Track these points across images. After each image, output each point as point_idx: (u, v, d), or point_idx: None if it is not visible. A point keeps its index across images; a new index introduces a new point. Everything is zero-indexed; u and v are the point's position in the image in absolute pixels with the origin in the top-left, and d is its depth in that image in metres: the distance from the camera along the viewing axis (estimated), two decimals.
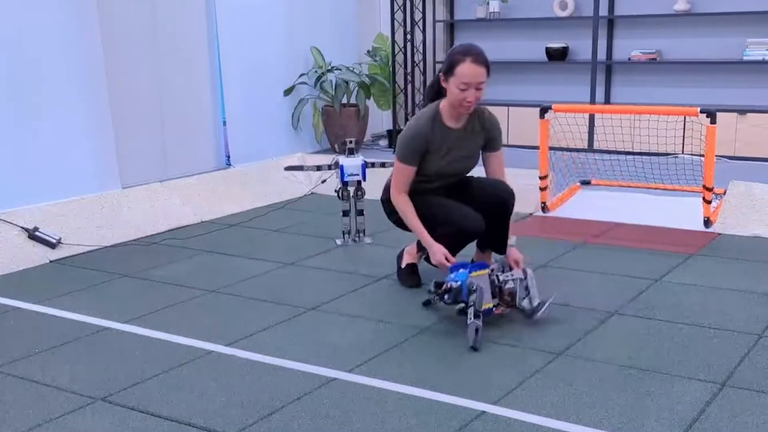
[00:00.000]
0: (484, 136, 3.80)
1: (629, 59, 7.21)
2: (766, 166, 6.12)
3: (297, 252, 4.65)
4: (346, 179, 4.77)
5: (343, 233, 4.85)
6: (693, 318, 3.45)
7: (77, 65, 5.03)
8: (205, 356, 3.17)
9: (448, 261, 3.58)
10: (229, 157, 6.42)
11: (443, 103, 3.70)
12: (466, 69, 3.50)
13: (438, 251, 3.61)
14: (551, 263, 4.32)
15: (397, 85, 7.18)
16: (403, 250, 4.10)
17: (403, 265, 4.04)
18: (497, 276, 3.47)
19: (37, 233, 4.60)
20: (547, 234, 4.83)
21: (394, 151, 3.82)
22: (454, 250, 3.85)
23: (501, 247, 3.84)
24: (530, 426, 2.55)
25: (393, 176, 3.79)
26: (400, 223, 3.94)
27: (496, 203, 3.76)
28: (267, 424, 2.60)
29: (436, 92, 3.74)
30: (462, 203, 3.76)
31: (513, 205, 3.79)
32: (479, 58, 3.54)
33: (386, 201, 3.94)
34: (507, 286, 3.45)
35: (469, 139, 3.77)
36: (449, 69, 3.56)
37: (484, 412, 2.64)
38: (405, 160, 3.72)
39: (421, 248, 3.94)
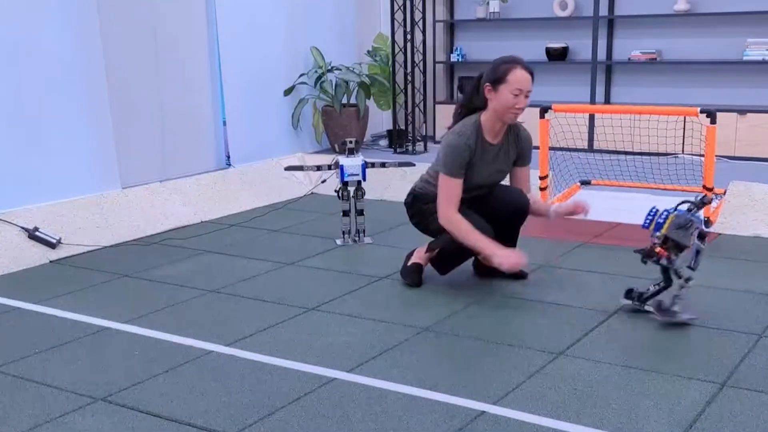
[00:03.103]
0: (517, 152, 3.86)
1: (629, 59, 7.21)
2: (766, 166, 6.12)
3: (297, 252, 4.65)
4: (346, 179, 4.77)
5: (343, 233, 4.85)
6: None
7: (77, 65, 5.03)
8: (205, 356, 3.17)
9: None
10: (229, 157, 6.42)
11: (484, 117, 3.72)
12: (520, 75, 3.60)
13: (509, 254, 3.62)
14: (551, 263, 4.32)
15: (397, 85, 7.18)
16: (413, 250, 4.10)
17: (409, 263, 4.04)
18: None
19: (37, 233, 4.60)
20: (547, 234, 4.82)
21: (438, 168, 3.75)
22: (460, 259, 3.89)
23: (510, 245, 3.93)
24: (530, 426, 2.55)
25: (441, 194, 3.74)
26: (420, 227, 3.99)
27: (515, 211, 3.83)
28: (267, 424, 2.60)
29: (468, 109, 3.78)
30: (477, 207, 3.79)
31: (527, 214, 3.90)
32: (527, 66, 3.67)
33: (410, 204, 4.00)
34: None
35: (504, 154, 3.83)
36: (501, 77, 3.62)
37: (484, 412, 2.64)
38: (453, 174, 3.70)
39: (429, 249, 3.95)
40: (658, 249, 3.27)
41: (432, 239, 3.99)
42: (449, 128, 3.84)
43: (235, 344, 3.28)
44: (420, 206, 3.97)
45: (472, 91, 3.79)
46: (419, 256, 4.02)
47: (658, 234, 3.28)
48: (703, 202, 3.37)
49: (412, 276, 3.99)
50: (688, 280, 3.31)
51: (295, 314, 3.63)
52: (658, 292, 3.41)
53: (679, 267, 3.29)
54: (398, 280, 4.05)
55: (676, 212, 3.29)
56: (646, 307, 3.43)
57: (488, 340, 3.27)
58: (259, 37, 6.53)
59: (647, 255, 3.32)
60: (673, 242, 3.26)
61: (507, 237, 3.89)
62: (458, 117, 3.84)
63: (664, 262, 3.29)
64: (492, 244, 3.65)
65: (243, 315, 3.64)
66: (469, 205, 3.82)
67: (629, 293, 3.54)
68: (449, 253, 3.90)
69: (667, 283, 3.38)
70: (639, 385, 2.82)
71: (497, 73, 3.65)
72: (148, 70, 5.66)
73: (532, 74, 3.66)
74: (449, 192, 3.72)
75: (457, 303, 3.72)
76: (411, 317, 3.55)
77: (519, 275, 4.03)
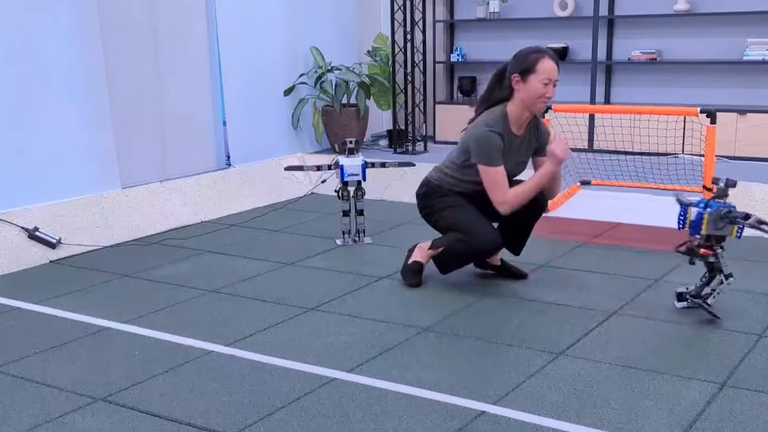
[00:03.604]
0: (537, 144, 3.86)
1: (629, 59, 7.21)
2: (766, 166, 6.11)
3: (297, 252, 4.65)
4: (346, 179, 4.77)
5: (343, 233, 4.86)
6: (693, 318, 3.45)
7: (77, 65, 5.03)
8: (205, 356, 3.17)
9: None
10: (229, 157, 6.42)
11: (510, 108, 3.72)
12: (548, 65, 3.63)
13: (552, 157, 3.65)
14: (551, 263, 4.33)
15: (397, 85, 7.18)
16: (415, 244, 4.08)
17: (410, 261, 4.04)
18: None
19: (37, 233, 4.60)
20: (547, 234, 4.82)
21: (476, 160, 3.69)
22: (464, 261, 3.90)
23: (518, 249, 4.03)
24: (530, 426, 2.55)
25: (491, 187, 3.68)
26: (429, 220, 3.96)
27: (532, 206, 3.81)
28: (267, 424, 2.60)
29: (490, 101, 3.77)
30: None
31: (544, 210, 3.97)
32: (553, 56, 3.71)
33: (423, 196, 3.94)
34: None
35: (526, 146, 3.83)
36: (530, 67, 3.62)
37: (484, 412, 2.64)
38: (494, 162, 3.66)
39: (433, 247, 3.95)
40: (702, 250, 3.33)
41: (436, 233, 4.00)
42: (470, 122, 3.81)
43: (235, 344, 3.28)
44: (432, 201, 3.91)
45: (494, 83, 3.78)
46: (421, 254, 4.01)
47: (698, 236, 3.33)
48: (727, 187, 3.38)
49: (412, 276, 3.99)
50: (728, 277, 3.36)
51: (295, 314, 3.63)
52: (707, 285, 3.44)
53: (725, 264, 3.35)
54: (398, 280, 4.05)
55: (708, 211, 3.31)
56: (708, 303, 3.42)
57: (488, 340, 3.27)
58: (259, 37, 6.53)
59: (693, 255, 3.37)
60: (715, 237, 3.32)
61: (519, 233, 3.94)
62: (480, 110, 3.81)
63: (711, 259, 3.35)
64: (543, 169, 3.70)
65: (243, 315, 3.64)
66: (482, 196, 3.82)
67: (681, 296, 3.53)
68: (453, 255, 3.90)
69: (712, 275, 3.42)
70: (639, 385, 2.82)
71: (526, 63, 3.64)
72: (148, 70, 5.66)
73: (558, 64, 3.69)
74: (494, 180, 3.67)
75: (457, 303, 3.72)
76: (411, 317, 3.55)
77: (519, 275, 4.04)
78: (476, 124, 3.75)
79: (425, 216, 3.99)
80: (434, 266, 3.99)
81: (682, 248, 3.41)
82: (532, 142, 3.85)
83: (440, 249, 3.92)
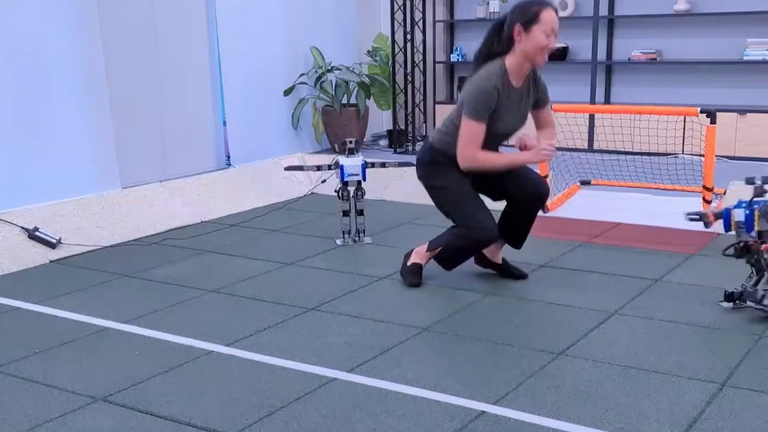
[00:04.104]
0: (535, 96, 3.84)
1: (629, 59, 7.21)
2: (766, 166, 6.11)
3: (297, 252, 4.65)
4: (346, 179, 4.77)
5: (343, 233, 4.86)
6: (693, 318, 3.45)
7: (77, 65, 5.03)
8: (205, 356, 3.17)
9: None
10: (229, 157, 6.42)
11: (509, 61, 3.67)
12: (551, 15, 3.61)
13: (534, 152, 3.69)
14: (551, 263, 4.33)
15: (397, 85, 7.18)
16: (412, 249, 4.09)
17: (408, 263, 4.04)
18: None
19: (37, 233, 4.60)
20: (547, 234, 4.82)
21: (462, 111, 3.68)
22: (465, 255, 3.90)
23: (520, 243, 4.01)
24: (530, 426, 2.55)
25: (465, 139, 3.67)
26: (427, 188, 3.93)
27: (536, 196, 3.83)
28: (267, 424, 2.60)
29: (488, 55, 3.74)
30: (495, 191, 3.81)
31: (546, 200, 3.96)
32: (555, 6, 3.69)
33: (427, 163, 3.89)
34: None
35: (525, 98, 3.79)
36: (533, 17, 3.58)
37: (484, 412, 2.64)
38: (479, 117, 3.63)
39: (430, 248, 3.95)
40: (764, 246, 3.34)
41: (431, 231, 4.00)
42: (470, 76, 3.78)
43: (235, 344, 3.28)
44: (434, 169, 3.86)
45: (492, 37, 3.74)
46: (419, 257, 4.02)
47: (752, 234, 3.34)
48: (764, 183, 3.40)
49: (412, 276, 3.99)
50: None
51: (294, 314, 3.63)
52: (757, 283, 3.44)
53: None
54: (398, 280, 4.05)
55: (759, 207, 3.34)
56: (764, 304, 3.41)
57: (488, 340, 3.27)
58: (259, 37, 6.53)
59: (745, 252, 3.38)
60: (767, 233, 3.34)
61: (521, 225, 3.93)
62: (479, 64, 3.77)
63: (767, 256, 3.36)
64: (520, 155, 3.73)
65: (243, 315, 3.64)
66: (483, 181, 3.81)
67: (731, 296, 3.52)
68: (453, 251, 3.91)
69: (760, 275, 3.42)
70: (639, 385, 2.82)
71: (528, 13, 3.60)
72: (148, 70, 5.66)
73: (558, 15, 3.68)
74: (471, 134, 3.65)
75: (457, 303, 3.72)
76: (411, 317, 3.55)
77: (519, 275, 4.04)
78: (477, 77, 3.70)
79: (424, 183, 3.95)
80: (434, 267, 3.99)
81: (730, 250, 3.43)
82: (531, 93, 3.81)
83: (438, 249, 3.93)
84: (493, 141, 3.76)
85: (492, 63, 3.70)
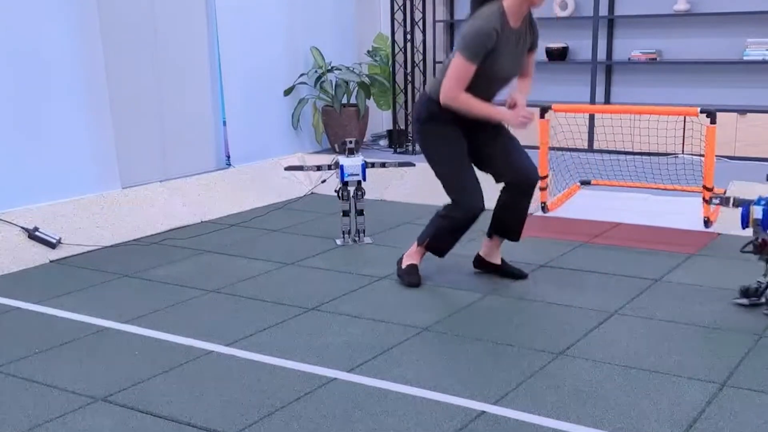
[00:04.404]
0: (531, 38, 3.81)
1: (629, 59, 7.21)
2: (766, 166, 6.10)
3: (297, 252, 4.65)
4: (346, 179, 4.77)
5: (343, 233, 4.86)
6: (693, 318, 3.45)
7: (77, 65, 5.03)
8: (205, 356, 3.17)
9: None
10: (229, 157, 6.42)
11: (507, 2, 3.63)
12: None
13: (514, 114, 3.66)
14: (551, 263, 4.32)
15: (397, 85, 7.18)
16: (402, 255, 4.10)
17: (404, 266, 4.04)
18: None
19: (37, 233, 4.60)
20: (547, 234, 4.83)
21: (456, 49, 3.64)
22: (453, 238, 3.90)
23: (516, 235, 3.97)
24: (530, 426, 2.55)
25: (451, 75, 3.63)
26: (420, 144, 3.90)
27: (527, 181, 3.80)
28: (267, 424, 2.60)
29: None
30: (482, 161, 3.79)
31: (535, 186, 3.92)
32: None
33: (424, 120, 3.83)
34: None
35: (523, 40, 3.76)
36: None
37: (484, 412, 2.64)
38: (471, 58, 3.58)
39: (419, 243, 3.96)
40: None
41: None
42: (466, 19, 3.73)
43: (235, 344, 3.28)
44: (430, 127, 3.82)
45: None
46: (411, 257, 4.02)
47: None
48: None
49: (412, 277, 3.99)
50: None
51: (294, 314, 3.63)
52: None
53: None
54: (398, 280, 4.05)
55: None
56: None
57: (488, 340, 3.27)
58: (259, 37, 6.53)
59: (764, 249, 3.39)
60: None
61: (516, 215, 3.89)
62: (476, 6, 3.72)
63: None
64: (501, 110, 3.70)
65: (243, 315, 3.64)
66: (477, 149, 3.78)
67: (746, 291, 3.53)
68: (440, 235, 3.91)
69: None
70: (639, 385, 2.82)
71: None
72: (148, 70, 5.66)
73: None
74: (459, 72, 3.61)
75: (457, 303, 3.72)
76: (411, 317, 3.55)
77: (519, 275, 4.04)
78: (476, 17, 3.66)
79: (420, 144, 3.93)
80: (434, 267, 4.00)
81: (749, 248, 3.43)
82: (528, 35, 3.79)
83: (427, 240, 3.93)
84: (492, 86, 3.74)
85: (489, 5, 3.66)
